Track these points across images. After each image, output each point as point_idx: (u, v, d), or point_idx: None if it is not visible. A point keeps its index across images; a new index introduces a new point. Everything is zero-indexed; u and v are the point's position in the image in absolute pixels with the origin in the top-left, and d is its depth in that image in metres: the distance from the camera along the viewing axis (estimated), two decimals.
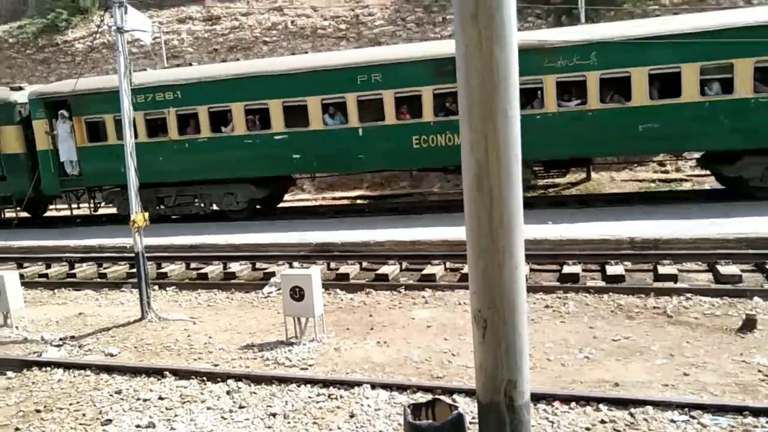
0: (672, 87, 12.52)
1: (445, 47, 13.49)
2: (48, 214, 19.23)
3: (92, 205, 17.17)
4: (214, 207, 15.89)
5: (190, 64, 19.12)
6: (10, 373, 6.94)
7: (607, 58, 12.50)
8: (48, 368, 6.93)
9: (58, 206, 18.86)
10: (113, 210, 17.02)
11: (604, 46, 12.44)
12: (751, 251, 9.37)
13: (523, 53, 12.83)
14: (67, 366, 6.93)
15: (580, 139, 12.96)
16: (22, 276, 10.55)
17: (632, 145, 13.21)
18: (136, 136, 15.00)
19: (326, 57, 15.58)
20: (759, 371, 5.61)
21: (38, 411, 5.93)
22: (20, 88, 16.78)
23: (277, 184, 16.47)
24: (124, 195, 15.64)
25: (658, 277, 8.86)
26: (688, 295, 7.89)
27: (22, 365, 7.08)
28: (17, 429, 5.59)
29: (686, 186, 16.14)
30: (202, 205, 15.73)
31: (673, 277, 8.73)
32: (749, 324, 6.59)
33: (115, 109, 14.73)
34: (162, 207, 15.83)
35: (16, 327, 8.64)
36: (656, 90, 12.67)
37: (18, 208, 17.17)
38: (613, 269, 9.18)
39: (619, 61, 12.44)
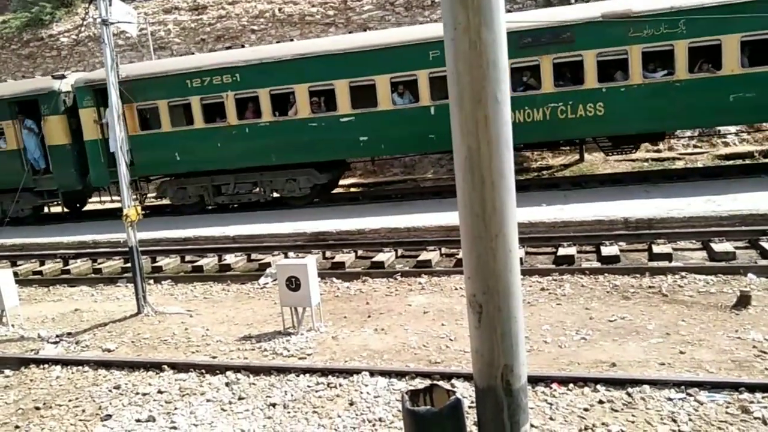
0: (764, 54, 12.23)
1: (524, 19, 13.00)
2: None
3: (138, 197, 16.32)
4: (275, 194, 15.46)
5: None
6: (7, 372, 6.93)
7: (696, 26, 12.02)
8: (46, 365, 6.93)
9: (99, 199, 18.09)
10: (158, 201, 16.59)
11: (693, 13, 11.97)
12: (744, 228, 9.42)
13: (607, 24, 12.12)
14: (64, 362, 6.93)
15: (667, 112, 12.55)
16: (16, 274, 10.49)
17: (722, 117, 12.89)
18: (192, 122, 15.13)
19: (396, 33, 14.92)
20: (754, 347, 5.65)
21: (37, 408, 5.92)
22: (63, 76, 16.00)
23: (337, 169, 16.01)
24: (177, 184, 15.48)
25: (653, 257, 8.89)
26: (683, 273, 7.93)
27: (19, 363, 7.07)
28: (17, 427, 5.58)
29: (679, 164, 16.17)
30: (263, 192, 15.19)
31: (668, 256, 8.77)
32: (743, 300, 6.64)
33: (170, 94, 14.96)
34: (219, 196, 15.36)
35: (12, 325, 8.61)
36: (747, 58, 12.31)
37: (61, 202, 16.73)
38: (607, 250, 9.21)
39: (709, 28, 11.99)
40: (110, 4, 8.30)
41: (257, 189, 15.24)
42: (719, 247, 8.74)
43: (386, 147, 14.38)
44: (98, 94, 14.96)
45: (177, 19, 23.86)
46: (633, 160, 16.81)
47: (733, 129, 16.19)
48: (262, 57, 14.31)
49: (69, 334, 8.09)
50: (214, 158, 14.71)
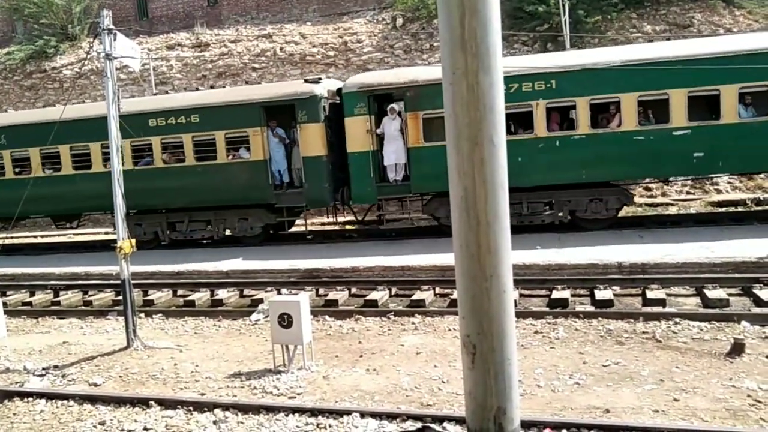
0: None
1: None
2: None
3: (380, 216, 15.04)
4: (565, 216, 13.63)
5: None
6: None
7: None
8: (30, 399, 6.79)
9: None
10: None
11: None
12: (737, 275, 9.45)
13: None
14: (49, 396, 6.79)
15: None
16: (5, 304, 10.38)
17: None
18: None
19: (749, 39, 13.14)
20: (748, 396, 5.60)
21: None
22: (318, 80, 14.36)
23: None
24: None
25: (647, 302, 8.89)
26: (677, 319, 7.91)
27: (3, 396, 6.92)
28: None
29: (672, 210, 16.30)
30: (559, 213, 13.40)
31: (662, 302, 8.76)
32: (737, 348, 6.61)
33: None
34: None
35: None
36: None
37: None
38: (601, 294, 9.20)
39: None
40: (115, 39, 8.44)
41: (550, 210, 13.52)
42: (713, 293, 8.75)
43: (725, 164, 12.77)
44: (373, 100, 13.66)
45: (180, 55, 24.28)
46: (626, 205, 16.92)
47: (725, 176, 16.36)
48: (583, 63, 12.79)
49: (56, 367, 7.95)
50: (512, 173, 13.16)
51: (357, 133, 13.63)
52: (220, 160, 14.32)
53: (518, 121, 13.35)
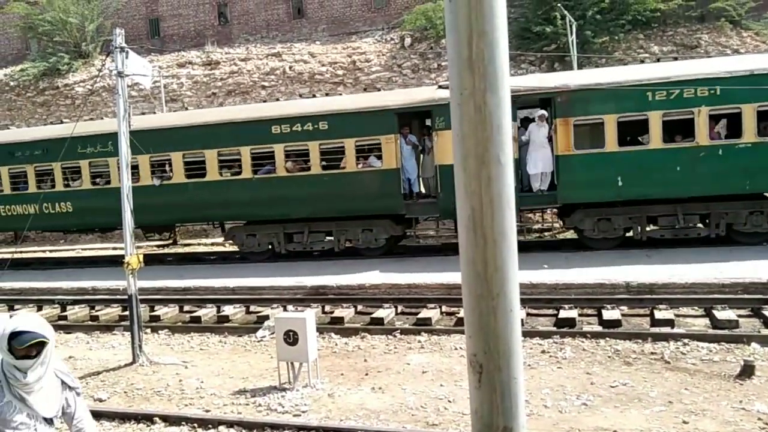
0: None
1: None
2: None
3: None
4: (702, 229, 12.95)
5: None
6: None
7: None
8: None
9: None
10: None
11: None
12: (746, 296, 9.37)
13: None
14: None
15: None
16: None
17: None
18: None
19: None
20: (759, 419, 5.53)
21: None
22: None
23: None
24: (599, 215, 12.94)
25: (655, 322, 8.82)
26: (686, 340, 7.84)
27: None
28: None
29: None
30: (717, 227, 12.63)
31: (670, 322, 8.69)
32: (747, 370, 6.54)
33: (622, 108, 12.33)
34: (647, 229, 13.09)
35: None
36: None
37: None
38: (609, 314, 9.14)
39: None
40: (127, 57, 8.57)
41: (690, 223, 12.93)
42: (722, 314, 8.68)
43: None
44: (514, 107, 12.62)
45: (190, 73, 24.56)
46: None
47: None
48: (751, 68, 12.11)
49: None
50: (669, 182, 12.36)
51: None
52: (349, 168, 13.73)
53: (676, 129, 12.79)
